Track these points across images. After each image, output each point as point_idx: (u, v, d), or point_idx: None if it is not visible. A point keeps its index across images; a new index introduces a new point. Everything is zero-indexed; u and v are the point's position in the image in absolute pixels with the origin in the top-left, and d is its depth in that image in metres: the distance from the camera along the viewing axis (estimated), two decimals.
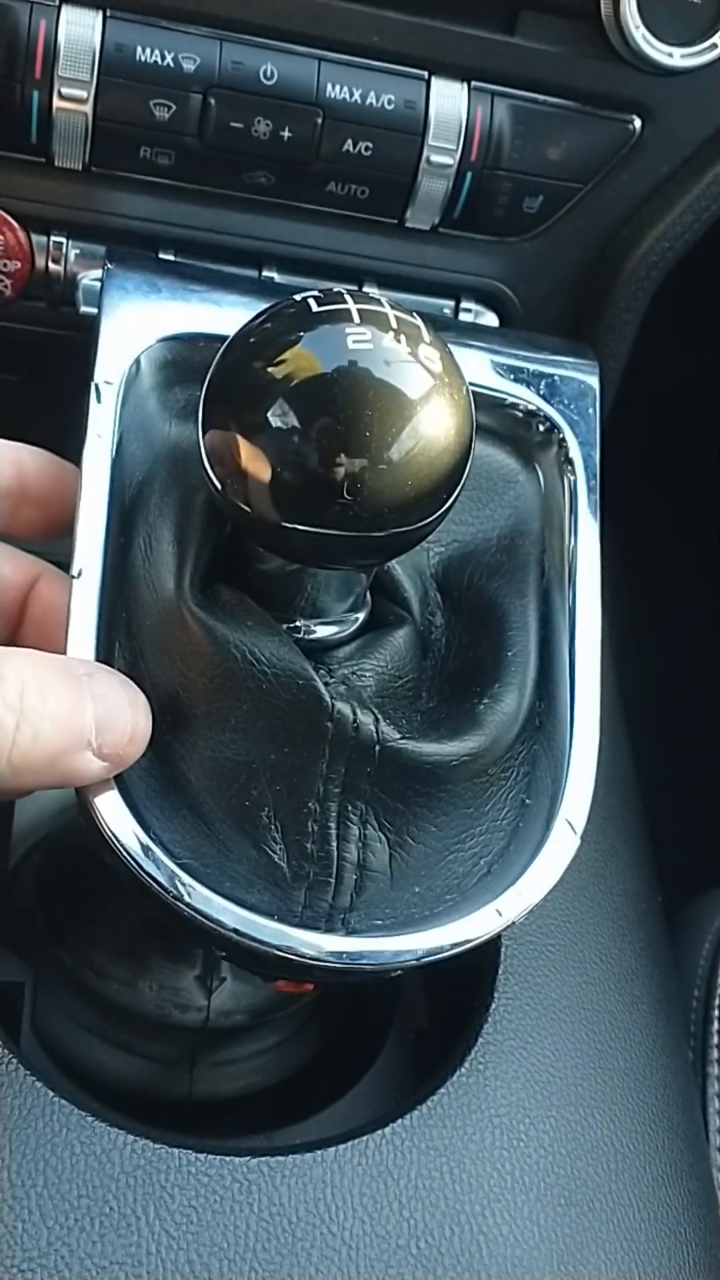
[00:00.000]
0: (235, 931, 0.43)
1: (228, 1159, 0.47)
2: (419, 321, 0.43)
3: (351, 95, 0.61)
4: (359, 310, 0.42)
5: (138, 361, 0.53)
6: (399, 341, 0.42)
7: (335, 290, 0.43)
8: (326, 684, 0.45)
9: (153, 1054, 0.57)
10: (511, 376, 0.57)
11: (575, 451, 0.55)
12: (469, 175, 0.63)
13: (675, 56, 0.61)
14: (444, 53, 0.61)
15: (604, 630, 0.54)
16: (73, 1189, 0.46)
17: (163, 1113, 0.54)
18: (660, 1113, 0.55)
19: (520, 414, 0.58)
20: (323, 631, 0.48)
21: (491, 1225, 0.48)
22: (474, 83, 0.62)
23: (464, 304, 0.67)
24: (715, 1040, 0.68)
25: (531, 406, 0.57)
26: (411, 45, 0.61)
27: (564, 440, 0.57)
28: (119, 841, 0.43)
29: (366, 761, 0.45)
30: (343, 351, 0.41)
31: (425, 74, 0.62)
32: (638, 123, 0.64)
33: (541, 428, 0.57)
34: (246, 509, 0.42)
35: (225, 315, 0.55)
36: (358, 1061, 0.57)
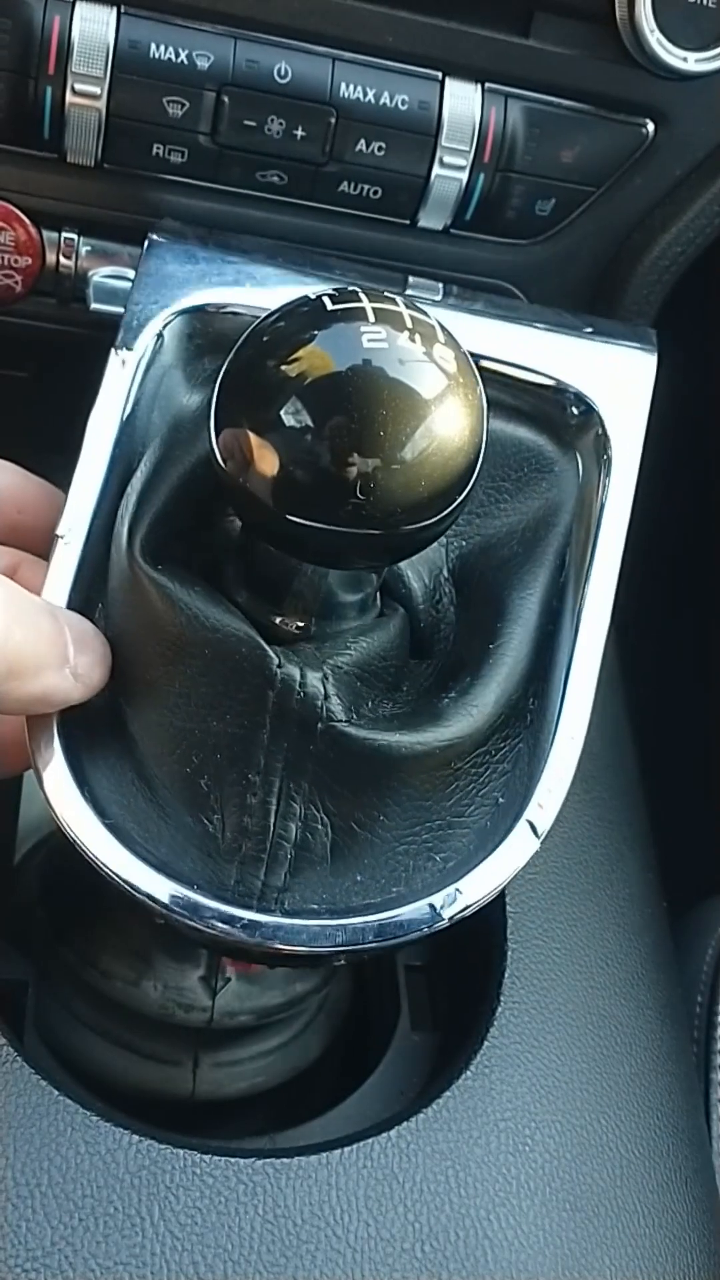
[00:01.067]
0: (141, 893, 0.42)
1: (232, 1160, 0.47)
2: (434, 321, 0.43)
3: (365, 95, 0.61)
4: (374, 309, 0.42)
5: (161, 335, 0.52)
6: (413, 341, 0.42)
7: (350, 289, 0.43)
8: (282, 652, 0.44)
9: (156, 1054, 0.57)
10: (559, 357, 0.56)
11: (615, 437, 0.53)
12: (481, 177, 0.63)
13: (690, 61, 0.61)
14: (458, 54, 0.61)
15: (613, 631, 0.53)
16: (76, 1188, 0.46)
17: (165, 1113, 0.54)
18: (665, 1118, 0.55)
19: (556, 396, 0.56)
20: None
21: (496, 1230, 0.48)
22: (488, 84, 0.62)
23: None
24: (719, 1047, 0.68)
25: (569, 388, 0.55)
26: (426, 46, 0.61)
27: (603, 423, 0.55)
28: (51, 797, 0.43)
29: (309, 739, 0.44)
30: (357, 350, 0.41)
31: (439, 75, 0.61)
32: (651, 127, 0.64)
33: (577, 410, 0.55)
34: (257, 506, 0.42)
35: (259, 291, 0.55)
36: (361, 1064, 0.57)
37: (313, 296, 0.43)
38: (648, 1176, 0.53)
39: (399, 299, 0.43)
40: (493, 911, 0.57)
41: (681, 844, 0.74)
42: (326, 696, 0.44)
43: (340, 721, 0.44)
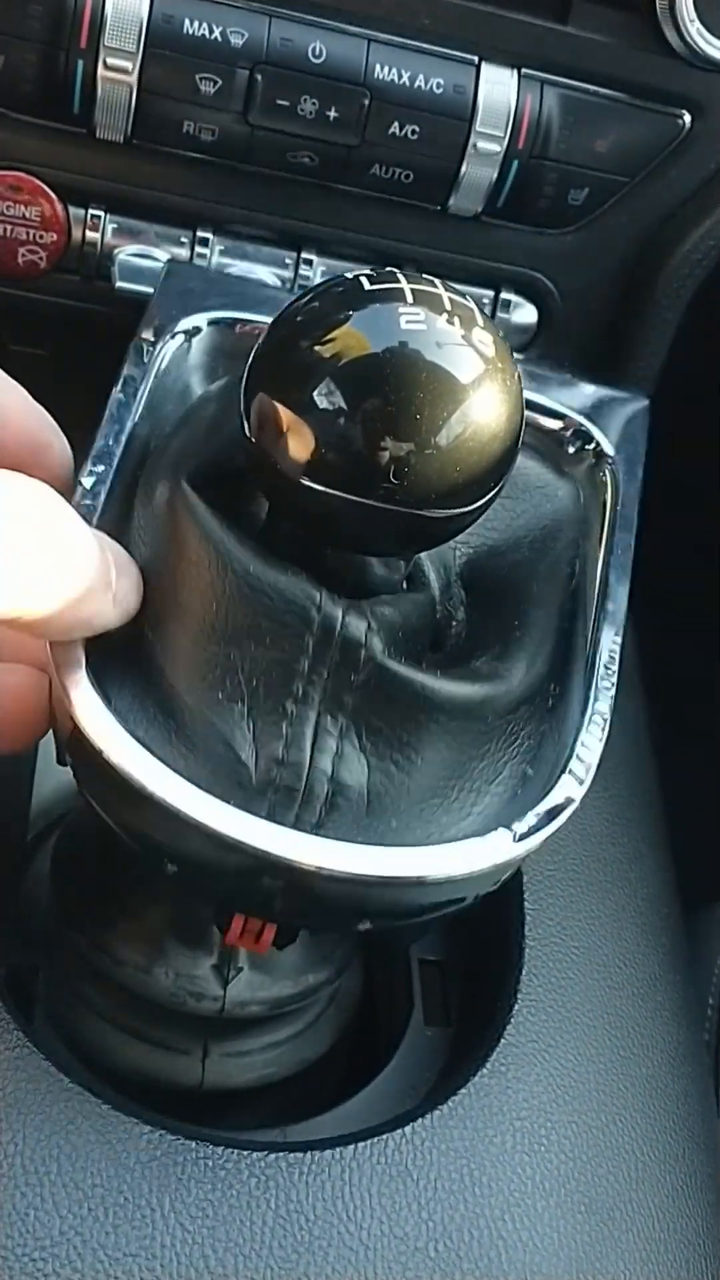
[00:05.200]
0: (175, 810, 0.40)
1: (245, 1153, 0.46)
2: (472, 304, 0.42)
3: (400, 77, 0.60)
4: (412, 290, 0.41)
5: (189, 342, 0.52)
6: (452, 324, 0.41)
7: (389, 270, 0.42)
8: (326, 592, 0.43)
9: (165, 1042, 0.56)
10: (556, 395, 0.56)
11: (614, 467, 0.54)
12: (515, 164, 0.62)
13: None
14: (495, 38, 0.61)
15: (630, 631, 0.53)
16: (86, 1177, 0.45)
17: (174, 1101, 0.53)
18: (681, 1122, 0.54)
19: (556, 428, 0.56)
20: None
21: (510, 1230, 0.47)
22: (524, 70, 0.61)
23: (503, 294, 0.66)
24: None
25: (572, 420, 0.55)
26: (463, 29, 0.60)
27: (601, 454, 0.55)
28: (81, 718, 0.41)
29: (351, 669, 0.43)
30: (394, 332, 0.40)
31: (475, 59, 0.61)
32: (687, 118, 0.63)
33: (577, 443, 0.55)
34: (289, 487, 0.41)
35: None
36: (371, 1058, 0.56)
37: (350, 276, 0.42)
38: (662, 1180, 0.52)
39: (438, 281, 0.42)
40: (509, 906, 0.56)
41: (694, 846, 0.73)
42: (370, 630, 0.43)
43: (381, 656, 0.43)
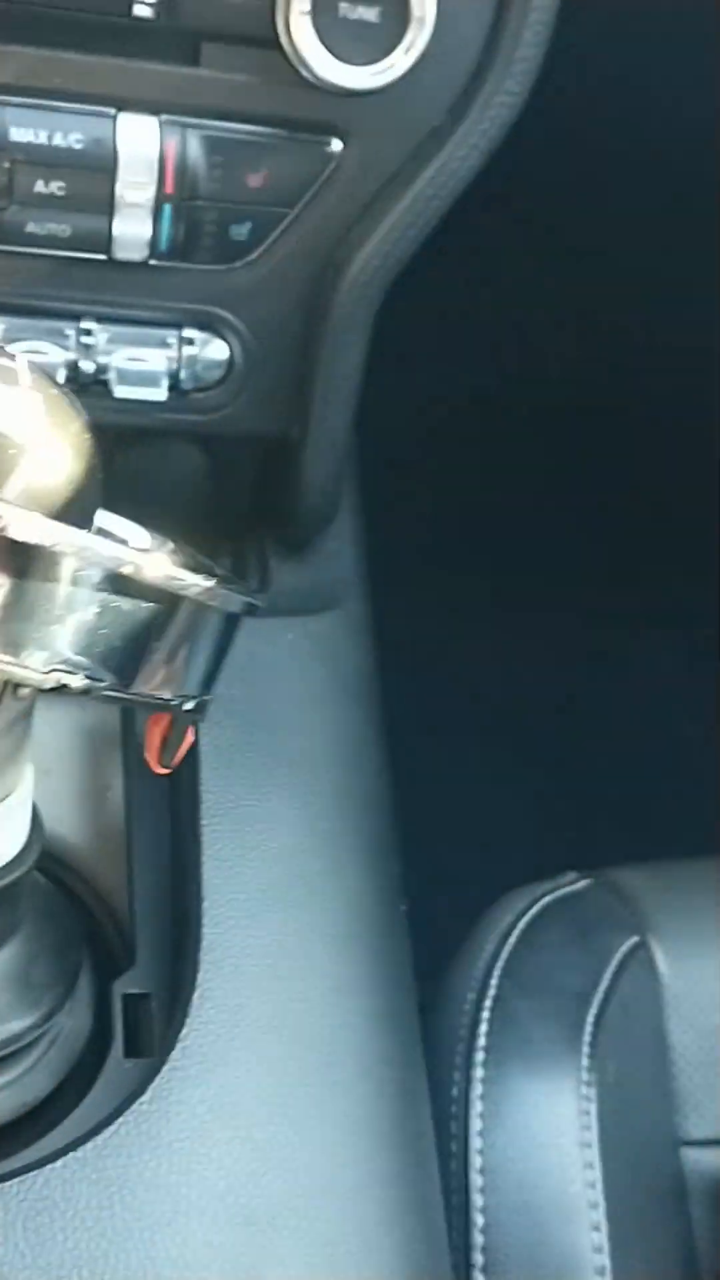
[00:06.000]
0: None
1: None
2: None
3: (38, 137, 0.62)
4: None
5: None
6: None
7: None
8: None
9: None
10: None
11: None
12: (167, 208, 0.63)
13: (358, 77, 0.61)
14: (130, 89, 0.62)
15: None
16: None
17: None
18: (365, 1124, 0.56)
19: None
20: None
21: (160, 1250, 0.49)
22: (164, 116, 0.63)
23: (186, 332, 0.68)
24: (481, 1043, 0.70)
25: None
26: (95, 84, 0.62)
27: None
28: None
29: None
30: None
31: (112, 111, 0.62)
32: (337, 144, 0.65)
33: None
34: None
35: None
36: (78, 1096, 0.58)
37: None
38: (336, 1183, 0.54)
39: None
40: (190, 936, 0.58)
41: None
42: None
43: None
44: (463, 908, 0.79)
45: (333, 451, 0.71)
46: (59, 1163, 0.50)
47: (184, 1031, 0.55)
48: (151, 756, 0.54)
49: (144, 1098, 0.53)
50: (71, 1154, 0.51)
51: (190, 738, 0.54)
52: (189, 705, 0.48)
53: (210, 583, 0.46)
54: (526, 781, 1.32)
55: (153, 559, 0.44)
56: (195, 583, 0.45)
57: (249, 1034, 0.56)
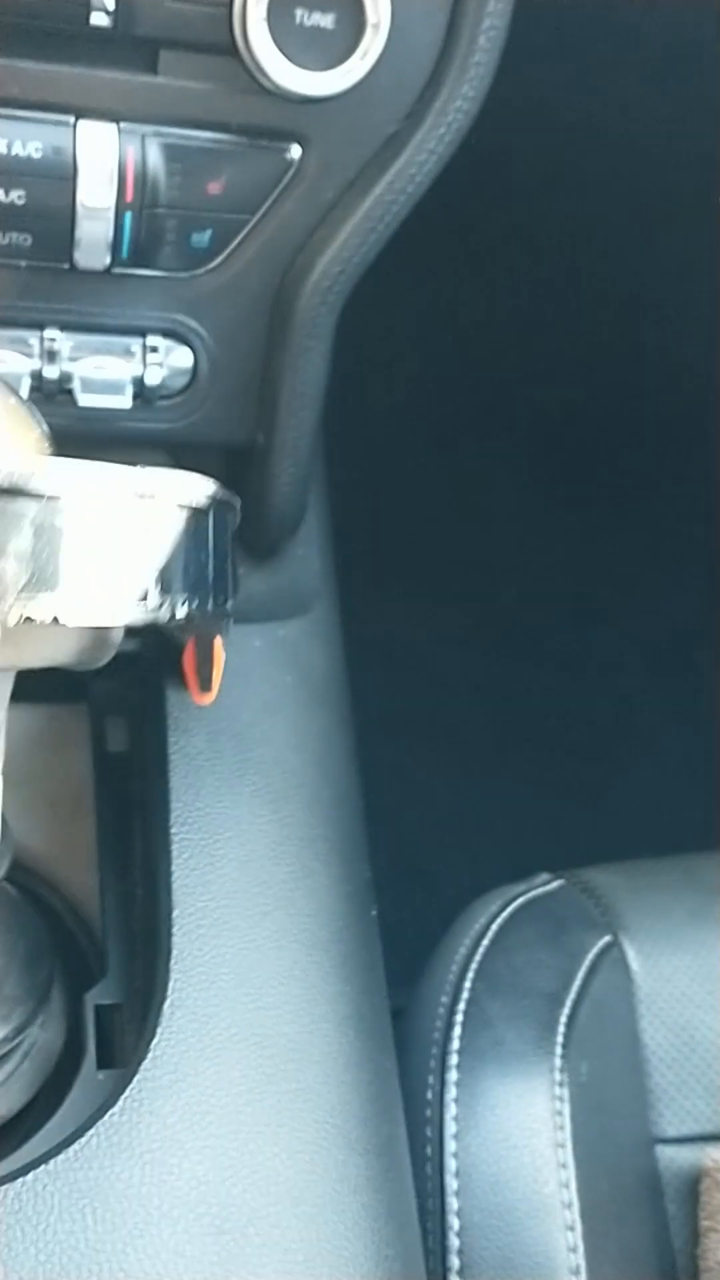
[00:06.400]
0: None
1: None
2: None
3: None
4: None
5: None
6: None
7: None
8: None
9: None
10: None
11: None
12: (128, 215, 0.63)
13: (315, 84, 0.61)
14: (87, 98, 0.62)
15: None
16: None
17: None
18: (335, 1129, 0.56)
19: None
20: None
21: (132, 1260, 0.49)
22: (123, 124, 0.63)
23: (150, 339, 0.68)
24: (455, 1046, 0.70)
25: None
26: (52, 94, 0.62)
27: None
28: None
29: None
30: None
31: (71, 119, 0.62)
32: (296, 151, 0.65)
33: None
34: None
35: None
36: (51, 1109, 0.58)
37: None
38: (308, 1189, 0.54)
39: None
40: (160, 945, 0.58)
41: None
42: None
43: None
44: (439, 911, 0.80)
45: (299, 457, 0.71)
46: (29, 1175, 0.50)
47: (155, 1041, 0.55)
48: (192, 688, 0.56)
49: (114, 1109, 0.53)
50: (43, 1166, 0.51)
51: (221, 654, 0.56)
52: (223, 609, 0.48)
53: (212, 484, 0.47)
54: (502, 782, 1.33)
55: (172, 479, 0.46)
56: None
57: (220, 1042, 0.56)
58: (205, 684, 0.63)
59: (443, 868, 1.16)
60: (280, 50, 0.61)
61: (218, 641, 0.62)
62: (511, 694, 1.38)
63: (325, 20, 0.61)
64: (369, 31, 0.61)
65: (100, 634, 0.55)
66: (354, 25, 0.61)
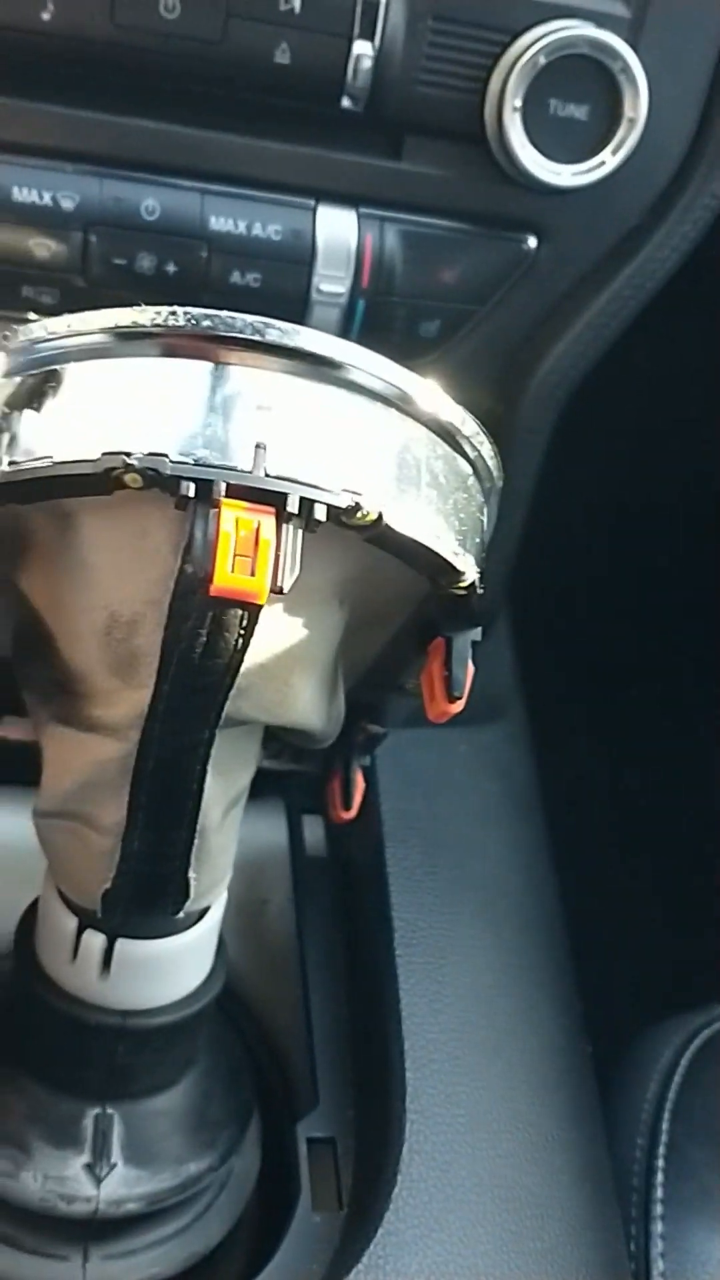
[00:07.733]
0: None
1: None
2: None
3: (236, 226, 0.60)
4: None
5: None
6: None
7: None
8: None
9: (42, 1249, 0.53)
10: None
11: None
12: (361, 303, 0.61)
13: (565, 175, 0.60)
14: (329, 181, 0.60)
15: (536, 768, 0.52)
16: None
17: None
18: None
19: None
20: None
21: None
22: (362, 209, 0.61)
23: None
24: (659, 1195, 0.64)
25: None
26: (295, 175, 0.60)
27: None
28: None
29: None
30: None
31: (312, 202, 0.60)
32: (533, 242, 0.63)
33: None
34: None
35: None
36: (264, 1247, 0.53)
37: None
38: None
39: None
40: (391, 1078, 0.54)
41: (618, 972, 0.71)
42: None
43: None
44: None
45: (505, 553, 0.69)
46: None
47: (395, 1190, 0.50)
48: (334, 806, 0.53)
49: (360, 1265, 0.48)
50: None
51: (361, 783, 0.54)
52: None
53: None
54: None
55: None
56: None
57: (462, 1193, 0.51)
58: (347, 802, 0.60)
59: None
60: (531, 140, 0.60)
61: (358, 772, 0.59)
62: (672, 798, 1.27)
63: (579, 111, 0.59)
64: (624, 125, 0.59)
65: (337, 701, 0.51)
66: (607, 117, 0.59)
